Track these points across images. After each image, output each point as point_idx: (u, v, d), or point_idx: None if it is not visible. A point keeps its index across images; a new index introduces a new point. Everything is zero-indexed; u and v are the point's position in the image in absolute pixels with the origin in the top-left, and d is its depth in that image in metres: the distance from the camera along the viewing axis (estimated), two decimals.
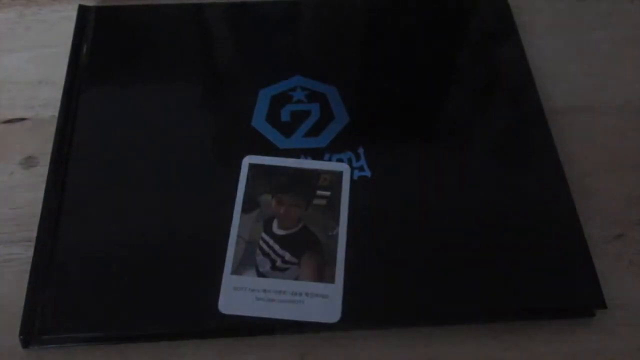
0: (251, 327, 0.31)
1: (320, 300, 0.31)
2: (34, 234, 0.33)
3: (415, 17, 0.44)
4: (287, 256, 0.32)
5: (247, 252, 0.32)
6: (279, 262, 0.32)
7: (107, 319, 0.30)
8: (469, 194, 0.35)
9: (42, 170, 0.36)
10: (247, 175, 0.35)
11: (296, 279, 0.32)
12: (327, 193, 0.35)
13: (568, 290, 0.32)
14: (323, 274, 0.32)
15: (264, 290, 0.31)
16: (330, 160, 0.36)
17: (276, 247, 0.33)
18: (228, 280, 0.31)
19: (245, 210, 0.34)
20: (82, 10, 0.42)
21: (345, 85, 0.39)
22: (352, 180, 0.35)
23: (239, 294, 0.31)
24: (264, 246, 0.33)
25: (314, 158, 0.36)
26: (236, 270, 0.32)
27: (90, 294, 0.31)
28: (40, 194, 0.34)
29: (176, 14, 0.43)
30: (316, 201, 0.34)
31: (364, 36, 0.43)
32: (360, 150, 0.36)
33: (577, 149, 0.38)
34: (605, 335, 0.32)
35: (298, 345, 0.31)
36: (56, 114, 0.38)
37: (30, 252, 0.32)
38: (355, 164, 0.36)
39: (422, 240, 0.33)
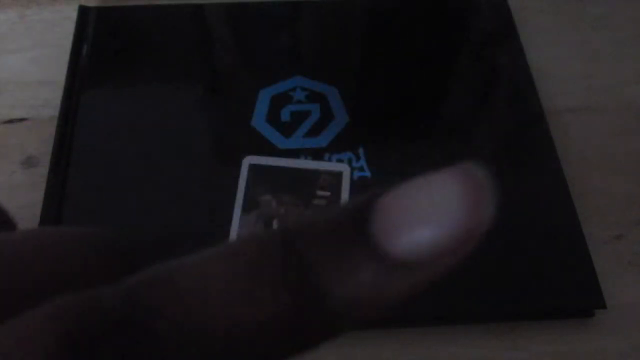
0: None
1: None
2: None
3: (415, 18, 0.44)
4: None
5: None
6: None
7: None
8: None
9: (42, 170, 0.36)
10: (247, 176, 0.35)
11: None
12: (327, 193, 0.35)
13: (568, 290, 0.32)
14: None
15: None
16: (330, 160, 0.36)
17: None
18: None
19: (245, 210, 0.34)
20: (83, 11, 0.42)
21: (345, 85, 0.39)
22: (352, 181, 0.35)
23: None
24: None
25: (314, 158, 0.36)
26: None
27: None
28: (40, 194, 0.34)
29: (176, 14, 0.43)
30: (316, 201, 0.34)
31: (364, 36, 0.43)
32: (360, 150, 0.36)
33: (577, 149, 0.38)
34: (605, 335, 0.32)
35: None
36: (56, 114, 0.38)
37: None
38: (355, 164, 0.36)
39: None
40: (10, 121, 0.39)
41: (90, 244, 0.13)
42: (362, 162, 0.36)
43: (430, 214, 0.10)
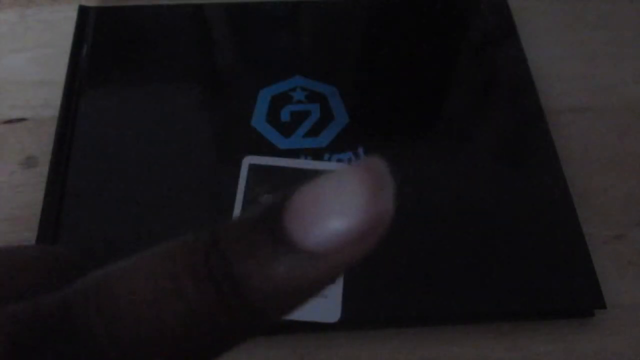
0: None
1: (320, 300, 0.31)
2: (34, 234, 0.33)
3: (415, 17, 0.44)
4: None
5: None
6: None
7: None
8: (468, 194, 0.35)
9: (42, 170, 0.36)
10: (247, 176, 0.35)
11: None
12: None
13: (568, 290, 0.32)
14: None
15: None
16: (330, 160, 0.36)
17: None
18: None
19: (245, 210, 0.34)
20: (83, 11, 0.43)
21: (345, 85, 0.39)
22: None
23: None
24: None
25: (314, 158, 0.36)
26: None
27: None
28: (40, 194, 0.34)
29: (176, 14, 0.43)
30: None
31: (364, 36, 0.43)
32: (360, 150, 0.36)
33: (577, 149, 0.39)
34: (605, 335, 0.32)
35: (298, 345, 0.31)
36: (56, 114, 0.38)
37: None
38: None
39: (422, 240, 0.33)
40: (10, 121, 0.39)
41: (42, 261, 0.14)
42: None
43: (336, 206, 0.10)
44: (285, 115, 0.38)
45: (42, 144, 0.37)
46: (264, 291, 0.11)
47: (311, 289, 0.11)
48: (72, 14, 0.43)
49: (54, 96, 0.39)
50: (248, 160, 0.36)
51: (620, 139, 0.39)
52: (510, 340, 0.32)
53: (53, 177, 0.35)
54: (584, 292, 0.32)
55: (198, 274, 0.10)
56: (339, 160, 0.36)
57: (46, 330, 0.10)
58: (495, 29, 0.43)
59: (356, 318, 0.31)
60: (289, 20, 0.44)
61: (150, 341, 0.10)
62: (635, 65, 0.43)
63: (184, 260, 0.11)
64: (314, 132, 0.37)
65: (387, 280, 0.32)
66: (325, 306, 0.31)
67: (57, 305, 0.10)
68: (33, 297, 0.11)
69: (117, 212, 0.34)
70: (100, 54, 0.40)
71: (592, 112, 0.41)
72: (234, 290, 0.10)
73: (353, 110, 0.38)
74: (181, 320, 0.10)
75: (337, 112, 0.38)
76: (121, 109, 0.38)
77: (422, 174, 0.36)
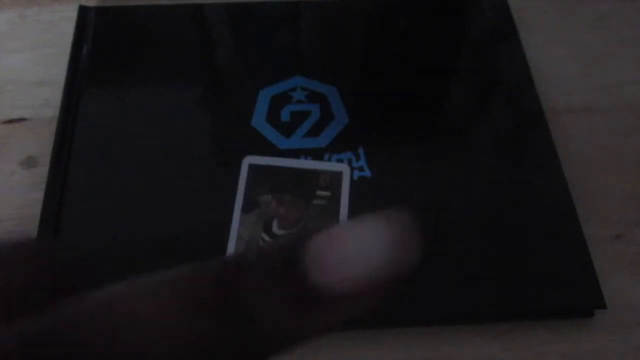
0: None
1: None
2: (34, 234, 0.33)
3: (415, 17, 0.44)
4: None
5: None
6: None
7: None
8: (468, 194, 0.35)
9: (42, 170, 0.36)
10: (247, 176, 0.35)
11: None
12: (327, 193, 0.35)
13: (568, 290, 0.32)
14: None
15: None
16: (330, 160, 0.36)
17: None
18: None
19: (245, 210, 0.34)
20: (83, 11, 0.43)
21: (345, 85, 0.39)
22: (352, 181, 0.35)
23: None
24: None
25: (314, 158, 0.36)
26: None
27: None
28: (40, 194, 0.34)
29: (176, 14, 0.43)
30: (316, 201, 0.34)
31: (364, 36, 0.43)
32: (360, 150, 0.36)
33: (577, 149, 0.38)
34: (605, 335, 0.32)
35: None
36: (56, 114, 0.38)
37: None
38: (355, 164, 0.36)
39: (422, 240, 0.33)
40: (10, 121, 0.39)
41: (36, 256, 0.13)
42: (362, 162, 0.36)
43: (357, 255, 0.11)
44: (285, 115, 0.38)
45: (42, 144, 0.37)
46: (281, 331, 0.11)
47: (327, 327, 0.11)
48: (72, 14, 0.43)
49: (54, 96, 0.39)
50: (248, 160, 0.36)
51: (620, 139, 0.39)
52: (510, 340, 0.32)
53: (53, 177, 0.35)
54: (584, 292, 0.32)
55: (212, 311, 0.10)
56: (339, 160, 0.36)
57: (43, 354, 0.10)
58: (495, 28, 0.43)
59: (356, 318, 0.31)
60: (289, 20, 0.44)
61: None
62: (635, 65, 0.43)
63: (194, 297, 0.10)
64: (314, 132, 0.37)
65: None
66: None
67: (57, 325, 0.10)
68: (24, 316, 0.10)
69: (117, 212, 0.34)
70: (100, 54, 0.40)
71: (592, 112, 0.41)
72: (252, 332, 0.10)
73: (353, 110, 0.38)
74: (190, 352, 0.10)
75: (337, 112, 0.38)
76: (121, 109, 0.38)
77: (422, 174, 0.36)
